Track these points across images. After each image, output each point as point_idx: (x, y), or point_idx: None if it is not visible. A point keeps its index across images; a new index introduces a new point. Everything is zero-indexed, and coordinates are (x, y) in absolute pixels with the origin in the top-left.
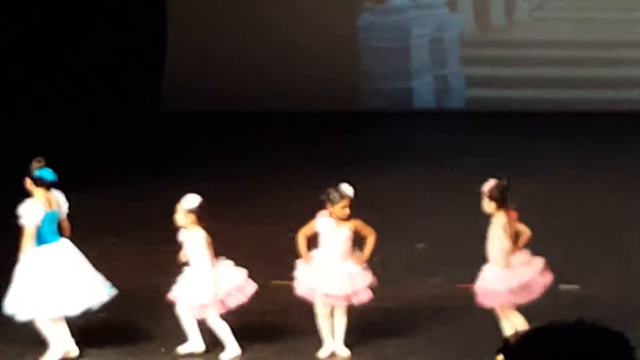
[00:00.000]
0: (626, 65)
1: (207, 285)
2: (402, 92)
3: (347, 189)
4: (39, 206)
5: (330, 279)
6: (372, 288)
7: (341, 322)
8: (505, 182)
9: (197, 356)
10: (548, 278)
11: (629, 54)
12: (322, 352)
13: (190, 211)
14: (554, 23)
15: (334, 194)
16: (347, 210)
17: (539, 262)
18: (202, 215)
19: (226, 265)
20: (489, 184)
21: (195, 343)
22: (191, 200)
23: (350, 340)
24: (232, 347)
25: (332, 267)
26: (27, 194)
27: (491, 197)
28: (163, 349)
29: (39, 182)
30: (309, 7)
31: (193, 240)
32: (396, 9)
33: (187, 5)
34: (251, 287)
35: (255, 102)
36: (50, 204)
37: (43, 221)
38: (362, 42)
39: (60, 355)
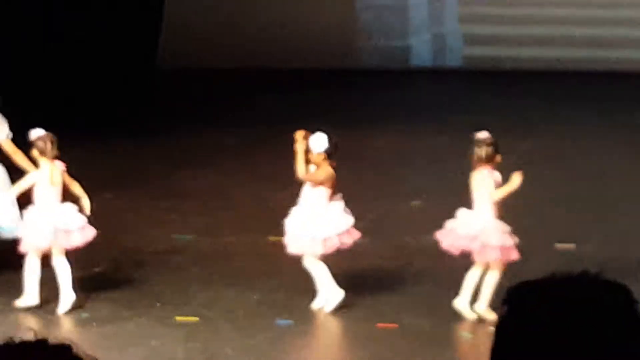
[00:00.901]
0: (623, 25)
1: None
2: (399, 50)
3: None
4: None
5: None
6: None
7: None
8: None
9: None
10: None
11: (626, 14)
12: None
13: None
14: None
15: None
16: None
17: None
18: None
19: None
20: (482, 135)
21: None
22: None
23: (344, 296)
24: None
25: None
26: None
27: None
28: (158, 304)
29: None
30: None
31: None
32: None
33: None
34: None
35: (253, 59)
36: None
37: None
38: (360, 2)
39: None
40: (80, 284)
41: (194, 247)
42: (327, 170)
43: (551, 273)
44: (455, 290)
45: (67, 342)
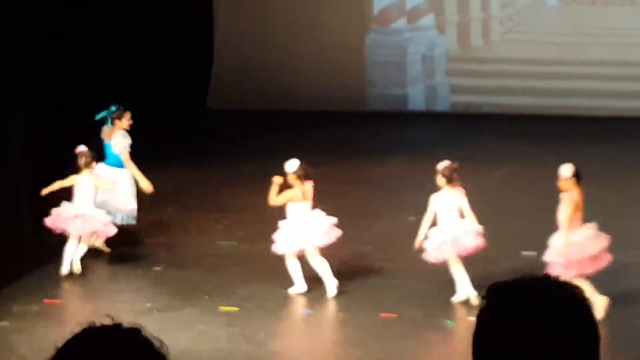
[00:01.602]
0: (576, 79)
1: None
2: (399, 97)
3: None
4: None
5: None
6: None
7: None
8: (455, 164)
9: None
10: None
11: (579, 70)
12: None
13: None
14: (520, 44)
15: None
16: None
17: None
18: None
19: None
20: (442, 164)
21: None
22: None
23: (352, 291)
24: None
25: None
26: None
27: (443, 175)
28: (206, 296)
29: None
30: (331, 29)
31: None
32: (395, 31)
33: (230, 23)
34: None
35: (284, 103)
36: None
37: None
38: (368, 57)
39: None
40: (144, 280)
41: (236, 252)
42: (291, 192)
43: (521, 275)
44: (442, 286)
45: (137, 326)
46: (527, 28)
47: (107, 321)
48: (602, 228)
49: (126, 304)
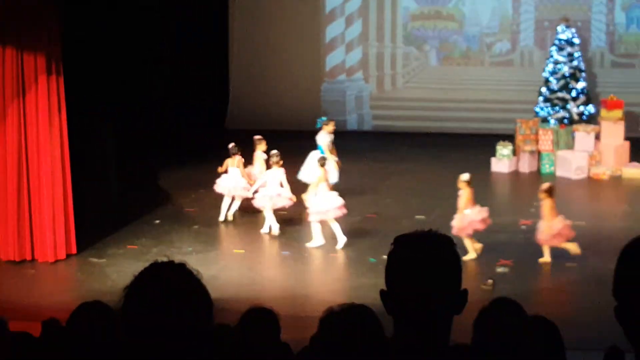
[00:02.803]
0: (449, 110)
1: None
2: (341, 122)
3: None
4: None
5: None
6: None
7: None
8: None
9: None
10: None
11: (451, 105)
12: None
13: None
14: (414, 88)
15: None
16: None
17: None
18: None
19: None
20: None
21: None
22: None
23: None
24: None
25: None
26: None
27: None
28: (190, 249)
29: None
30: (303, 79)
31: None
32: (339, 81)
33: (243, 62)
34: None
35: (274, 124)
36: None
37: None
38: (322, 97)
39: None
40: (187, 234)
41: (242, 220)
42: (320, 176)
43: (415, 230)
44: (377, 238)
45: (183, 262)
46: (418, 79)
47: (164, 259)
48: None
49: (176, 249)
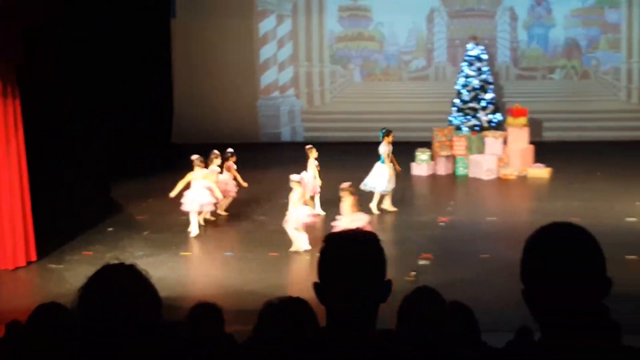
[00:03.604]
0: (372, 122)
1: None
2: (276, 134)
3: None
4: None
5: None
6: None
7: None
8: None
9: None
10: None
11: (373, 117)
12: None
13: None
14: (341, 103)
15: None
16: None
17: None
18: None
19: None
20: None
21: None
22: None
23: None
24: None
25: None
26: None
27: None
28: (174, 247)
29: None
30: (242, 96)
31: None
32: (273, 97)
33: (185, 81)
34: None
35: (221, 137)
36: None
37: None
38: (259, 112)
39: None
40: (138, 240)
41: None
42: (298, 192)
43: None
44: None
45: (133, 263)
46: (344, 94)
47: (116, 261)
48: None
49: (128, 253)
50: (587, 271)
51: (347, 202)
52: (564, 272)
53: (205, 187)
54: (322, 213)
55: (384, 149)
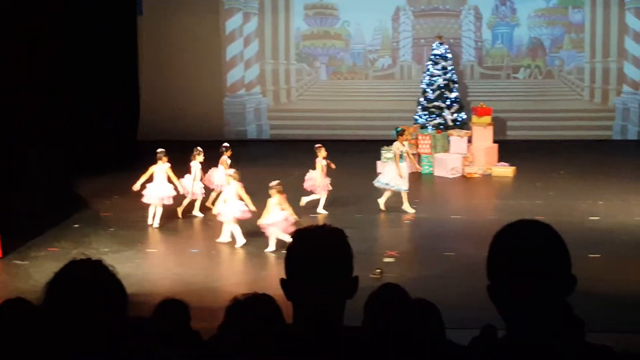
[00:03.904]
0: (337, 120)
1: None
2: (242, 131)
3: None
4: None
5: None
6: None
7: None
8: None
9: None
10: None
11: (338, 115)
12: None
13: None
14: (307, 101)
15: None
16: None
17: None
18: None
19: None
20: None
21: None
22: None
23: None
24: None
25: None
26: None
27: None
28: (139, 244)
29: None
30: (208, 94)
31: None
32: (239, 95)
33: (152, 79)
34: None
35: (187, 134)
36: None
37: None
38: (225, 110)
39: None
40: (103, 236)
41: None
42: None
43: (311, 225)
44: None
45: (100, 259)
46: (310, 92)
47: (83, 257)
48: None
49: (94, 250)
50: (552, 269)
51: (274, 200)
52: (530, 269)
53: (166, 181)
54: (324, 212)
55: (400, 147)
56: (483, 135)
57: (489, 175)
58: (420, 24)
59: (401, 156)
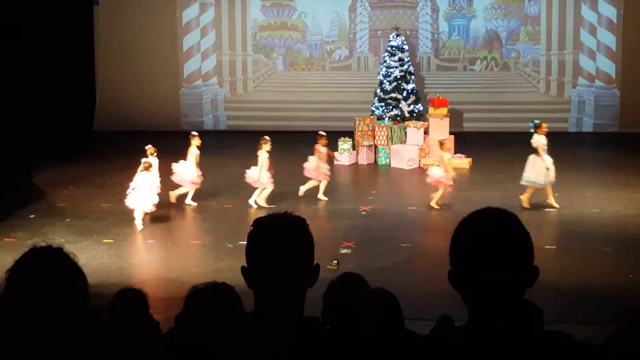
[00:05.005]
0: (294, 110)
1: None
2: (199, 122)
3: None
4: None
5: None
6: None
7: None
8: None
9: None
10: None
11: (295, 106)
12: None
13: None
14: (263, 92)
15: None
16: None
17: None
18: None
19: None
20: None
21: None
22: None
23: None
24: None
25: None
26: None
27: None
28: (95, 235)
29: None
30: (164, 85)
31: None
32: (196, 86)
33: (108, 70)
34: None
35: (138, 125)
36: None
37: None
38: (181, 100)
39: None
40: (61, 226)
41: (109, 211)
42: None
43: (271, 213)
44: (227, 225)
45: (61, 246)
46: (267, 83)
47: (43, 244)
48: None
49: (50, 240)
50: (516, 257)
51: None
52: (493, 256)
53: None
54: (324, 198)
55: (539, 141)
56: (439, 126)
57: None
58: (377, 15)
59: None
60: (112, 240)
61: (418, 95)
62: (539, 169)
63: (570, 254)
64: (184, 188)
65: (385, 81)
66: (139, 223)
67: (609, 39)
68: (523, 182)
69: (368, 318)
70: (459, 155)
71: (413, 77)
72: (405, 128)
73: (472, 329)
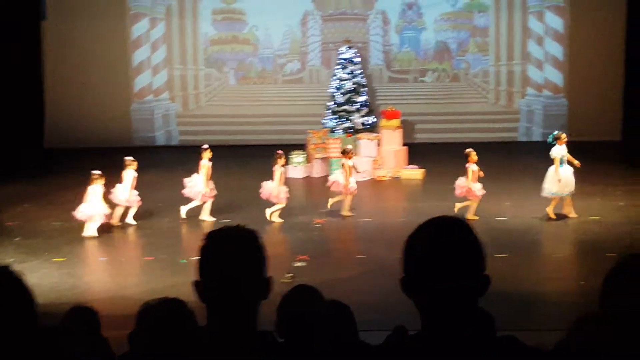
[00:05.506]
0: (246, 125)
1: None
2: (150, 138)
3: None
4: None
5: None
6: None
7: None
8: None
9: None
10: None
11: (247, 120)
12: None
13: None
14: (216, 106)
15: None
16: None
17: None
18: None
19: None
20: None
21: None
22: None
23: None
24: None
25: None
26: None
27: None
28: (46, 253)
29: None
30: (115, 101)
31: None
32: (147, 101)
33: (57, 85)
34: None
35: (94, 141)
36: None
37: None
38: (132, 116)
39: None
40: (8, 246)
41: (60, 229)
42: None
43: (224, 226)
44: (181, 241)
45: (8, 265)
46: (219, 97)
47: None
48: None
49: None
50: (467, 265)
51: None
52: (445, 264)
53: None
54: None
55: (559, 151)
56: (392, 138)
57: (398, 177)
58: (328, 28)
59: (561, 160)
60: (63, 259)
61: (370, 107)
62: (555, 179)
63: (521, 261)
64: (195, 202)
65: (337, 94)
66: (92, 231)
67: (556, 49)
68: (545, 194)
69: (322, 330)
70: (411, 166)
71: (365, 89)
72: (358, 140)
73: (425, 337)
